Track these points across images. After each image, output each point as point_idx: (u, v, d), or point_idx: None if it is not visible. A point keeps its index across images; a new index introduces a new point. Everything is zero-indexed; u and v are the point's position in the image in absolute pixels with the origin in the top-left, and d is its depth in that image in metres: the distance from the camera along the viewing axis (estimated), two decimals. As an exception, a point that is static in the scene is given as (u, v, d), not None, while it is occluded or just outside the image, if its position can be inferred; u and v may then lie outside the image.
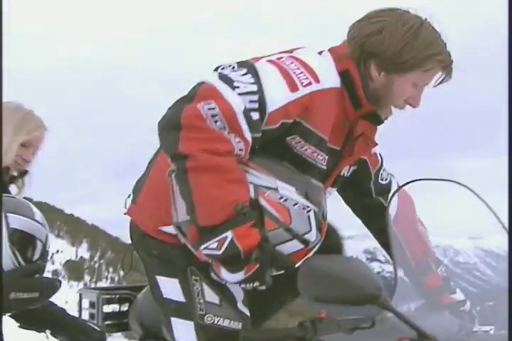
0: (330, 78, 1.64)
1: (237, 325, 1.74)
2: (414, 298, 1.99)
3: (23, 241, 1.96)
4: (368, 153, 1.98)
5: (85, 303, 2.91)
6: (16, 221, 1.97)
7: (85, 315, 2.85)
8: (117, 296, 2.87)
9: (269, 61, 1.58)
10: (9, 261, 1.91)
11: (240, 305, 1.78)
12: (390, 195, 1.67)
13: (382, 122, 1.81)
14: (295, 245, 1.52)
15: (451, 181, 1.77)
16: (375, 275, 1.42)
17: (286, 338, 1.72)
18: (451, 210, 2.23)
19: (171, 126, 1.41)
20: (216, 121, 1.38)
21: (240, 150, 1.44)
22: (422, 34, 1.65)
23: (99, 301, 2.74)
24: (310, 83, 1.58)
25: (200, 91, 1.44)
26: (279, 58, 1.60)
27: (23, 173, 2.47)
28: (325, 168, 1.74)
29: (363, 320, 1.52)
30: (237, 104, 1.44)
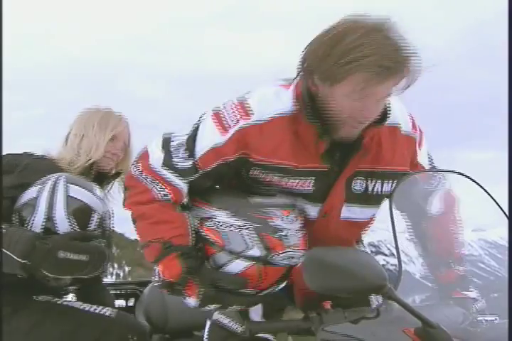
0: (272, 108, 1.65)
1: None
2: (420, 291, 2.00)
3: (80, 210, 2.03)
4: (366, 164, 1.76)
5: None
6: (75, 191, 2.05)
7: None
8: (123, 291, 2.90)
9: (213, 113, 1.72)
10: (65, 226, 1.98)
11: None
12: (395, 186, 1.65)
13: (358, 142, 1.68)
14: (239, 263, 1.62)
15: (454, 172, 1.76)
16: (380, 266, 1.42)
17: (292, 329, 1.73)
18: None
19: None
20: (145, 178, 1.70)
21: (165, 195, 1.68)
22: (345, 40, 1.45)
23: None
24: (238, 121, 1.65)
25: (137, 156, 1.80)
26: (225, 103, 1.72)
27: (117, 174, 2.54)
28: (311, 190, 1.73)
29: (368, 310, 1.53)
30: (156, 159, 1.71)
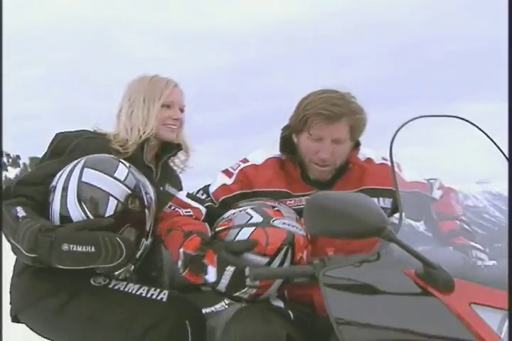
0: (265, 156, 2.17)
1: None
2: (423, 243, 2.03)
3: (93, 197, 1.93)
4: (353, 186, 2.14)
5: None
6: (89, 176, 1.95)
7: None
8: None
9: (221, 171, 2.20)
10: (78, 215, 1.91)
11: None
12: (395, 131, 1.65)
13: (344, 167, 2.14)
14: (246, 230, 1.87)
15: (456, 117, 1.74)
16: (380, 209, 1.43)
17: (295, 276, 1.77)
18: (459, 156, 2.22)
19: None
20: (172, 207, 2.15)
21: (187, 212, 2.10)
22: (305, 101, 2.04)
23: None
24: (239, 165, 2.16)
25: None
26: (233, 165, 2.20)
27: (178, 147, 2.42)
28: None
29: (369, 254, 1.55)
30: (181, 194, 2.21)
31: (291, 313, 1.90)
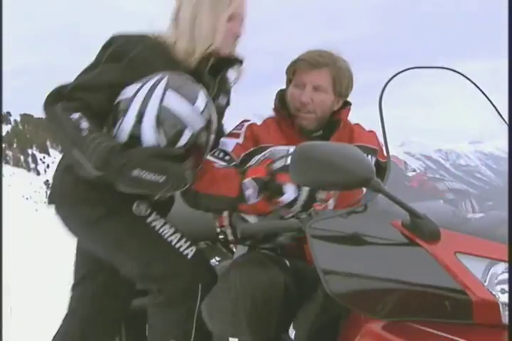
0: (258, 116, 2.22)
1: None
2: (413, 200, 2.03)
3: (171, 124, 1.81)
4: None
5: None
6: (172, 100, 1.81)
7: None
8: None
9: (228, 135, 2.21)
10: (151, 138, 1.80)
11: None
12: (386, 82, 1.62)
13: (335, 123, 2.20)
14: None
15: (446, 69, 1.72)
16: (367, 159, 1.43)
17: (283, 230, 1.78)
18: (452, 116, 2.21)
19: None
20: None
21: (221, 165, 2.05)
22: (297, 56, 2.17)
23: None
24: (243, 125, 2.19)
25: None
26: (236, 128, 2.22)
27: (239, 61, 2.17)
28: None
29: (356, 205, 1.55)
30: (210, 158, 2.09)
31: (287, 261, 1.94)
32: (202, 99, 1.88)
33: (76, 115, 1.81)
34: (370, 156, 2.14)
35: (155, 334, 2.08)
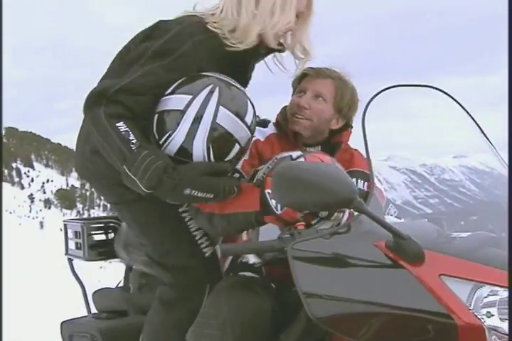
0: (262, 134, 2.17)
1: None
2: (401, 216, 2.01)
3: (221, 140, 1.80)
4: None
5: (70, 234, 2.92)
6: (224, 117, 1.79)
7: (72, 245, 2.86)
8: (103, 225, 2.88)
9: None
10: (201, 154, 1.79)
11: None
12: (371, 97, 1.60)
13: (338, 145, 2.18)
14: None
15: (430, 87, 1.71)
16: (350, 179, 1.40)
17: (264, 251, 1.74)
18: (436, 131, 2.21)
19: None
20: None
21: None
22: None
23: (83, 231, 2.75)
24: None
25: None
26: None
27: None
28: None
29: (339, 226, 1.52)
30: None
31: (272, 285, 1.90)
32: (250, 111, 1.86)
33: (122, 124, 1.76)
34: (365, 182, 2.10)
35: (150, 330, 2.10)
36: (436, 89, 1.75)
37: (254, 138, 2.00)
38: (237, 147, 1.83)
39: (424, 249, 1.39)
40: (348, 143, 2.22)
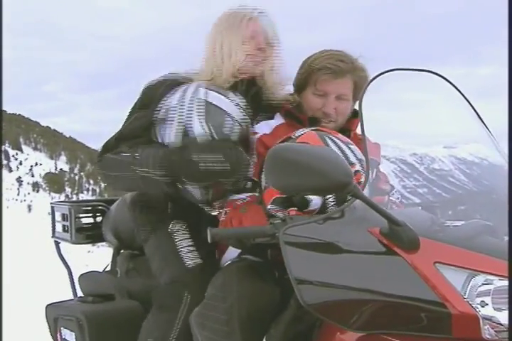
0: (267, 126, 2.10)
1: None
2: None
3: (215, 114, 1.98)
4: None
5: (58, 216, 2.89)
6: (213, 97, 2.00)
7: (59, 228, 2.85)
8: (90, 208, 2.85)
9: None
10: (201, 131, 1.95)
11: None
12: (372, 78, 1.56)
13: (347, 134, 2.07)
14: None
15: (428, 71, 1.66)
16: (346, 163, 1.36)
17: (255, 236, 1.70)
18: (427, 120, 2.19)
19: None
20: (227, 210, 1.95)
21: (243, 199, 1.94)
22: (309, 59, 2.09)
23: (71, 213, 2.74)
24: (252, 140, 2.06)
25: None
26: None
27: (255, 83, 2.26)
28: None
29: (332, 212, 1.48)
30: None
31: (276, 272, 1.87)
32: (233, 95, 2.05)
33: (125, 154, 2.03)
34: (375, 169, 2.07)
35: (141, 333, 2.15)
36: (436, 74, 1.71)
37: (259, 133, 2.06)
38: (229, 121, 1.98)
39: (419, 236, 1.36)
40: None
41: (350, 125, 2.15)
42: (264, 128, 2.10)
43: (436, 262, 1.33)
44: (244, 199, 1.94)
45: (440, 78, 1.74)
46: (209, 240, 1.62)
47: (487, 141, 1.83)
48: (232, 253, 2.04)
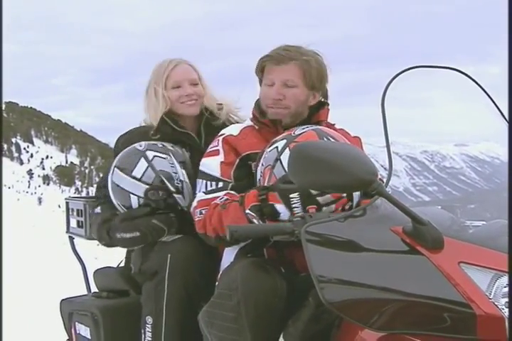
0: (235, 128, 2.21)
1: None
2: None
3: (120, 194, 2.31)
4: None
5: (72, 212, 2.89)
6: (116, 176, 2.31)
7: (73, 223, 2.86)
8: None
9: (206, 155, 2.18)
10: (118, 207, 2.35)
11: None
12: (391, 78, 1.53)
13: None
14: (285, 155, 1.82)
15: (451, 69, 1.64)
16: (370, 161, 1.34)
17: (274, 233, 1.68)
18: (439, 119, 2.15)
19: None
20: (199, 209, 2.04)
21: (221, 198, 1.98)
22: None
23: (86, 209, 2.74)
24: (218, 140, 2.17)
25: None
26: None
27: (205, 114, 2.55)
28: None
29: (354, 210, 1.46)
30: (201, 196, 2.07)
31: (282, 268, 1.86)
32: (141, 165, 2.28)
33: (98, 208, 2.51)
34: None
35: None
36: (457, 70, 1.68)
37: (226, 134, 2.17)
38: (134, 197, 2.27)
39: (444, 236, 1.34)
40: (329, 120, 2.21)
41: (318, 116, 2.17)
42: (232, 129, 2.20)
43: (461, 262, 1.30)
44: (222, 197, 1.97)
45: (462, 75, 1.71)
46: (227, 237, 1.60)
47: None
48: (230, 253, 2.04)
